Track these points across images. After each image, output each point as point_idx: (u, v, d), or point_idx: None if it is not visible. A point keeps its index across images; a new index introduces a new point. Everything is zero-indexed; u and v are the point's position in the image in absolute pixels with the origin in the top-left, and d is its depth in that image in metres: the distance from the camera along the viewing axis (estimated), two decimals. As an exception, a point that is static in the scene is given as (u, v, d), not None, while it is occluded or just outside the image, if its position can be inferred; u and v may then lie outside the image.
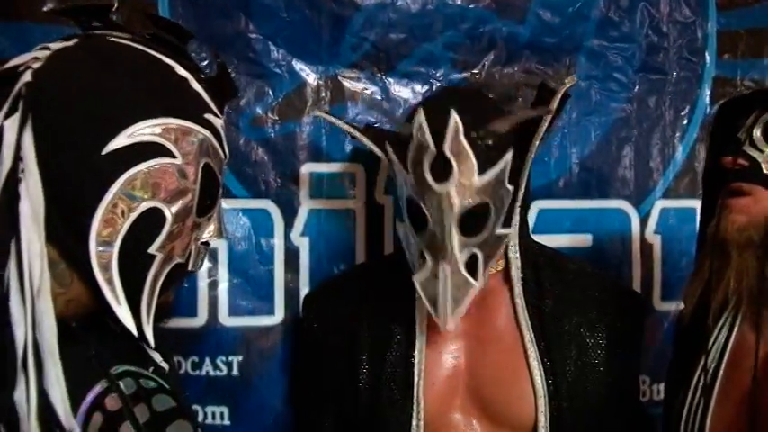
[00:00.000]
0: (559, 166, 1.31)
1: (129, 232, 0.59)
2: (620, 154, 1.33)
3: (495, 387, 0.91)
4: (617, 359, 0.95)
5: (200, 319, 1.19)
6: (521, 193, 0.90)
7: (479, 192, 0.82)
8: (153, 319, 0.64)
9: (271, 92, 1.22)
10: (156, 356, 0.75)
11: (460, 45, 1.26)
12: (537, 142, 0.88)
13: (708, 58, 1.35)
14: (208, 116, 0.66)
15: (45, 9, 1.01)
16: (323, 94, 1.23)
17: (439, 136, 0.78)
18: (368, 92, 1.25)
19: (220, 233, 0.71)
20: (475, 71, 1.27)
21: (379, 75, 1.25)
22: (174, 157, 0.61)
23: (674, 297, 1.29)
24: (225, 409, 1.20)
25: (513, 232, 0.93)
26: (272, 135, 1.22)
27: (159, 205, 0.61)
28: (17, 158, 0.55)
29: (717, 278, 0.81)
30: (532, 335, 0.91)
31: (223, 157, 0.69)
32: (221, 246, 1.21)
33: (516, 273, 0.94)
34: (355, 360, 0.95)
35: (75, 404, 0.60)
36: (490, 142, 0.81)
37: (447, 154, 0.79)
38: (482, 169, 0.81)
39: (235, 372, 1.21)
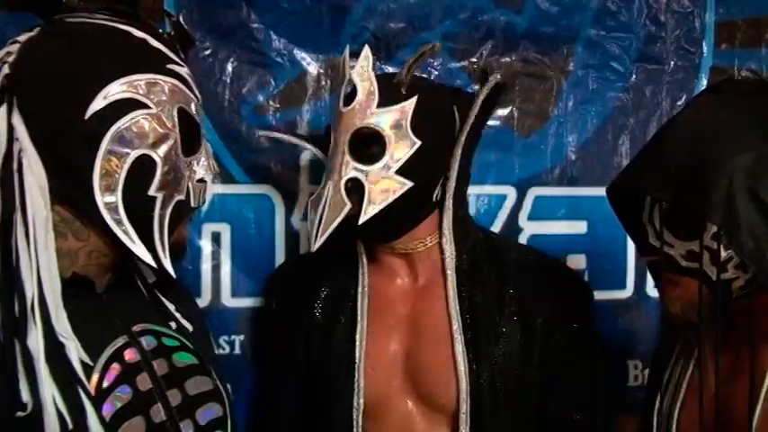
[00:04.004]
0: (555, 153, 1.32)
1: (127, 179, 0.67)
2: (616, 143, 1.34)
3: (426, 373, 0.95)
4: (556, 351, 0.95)
5: (203, 300, 1.22)
6: (452, 173, 0.93)
7: (374, 120, 0.87)
8: (170, 255, 0.72)
9: (272, 80, 1.23)
10: (179, 317, 0.82)
11: (459, 34, 1.27)
12: (470, 120, 0.93)
13: (705, 48, 1.36)
14: (171, 66, 0.72)
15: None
16: (323, 83, 1.25)
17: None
18: (367, 80, 1.27)
19: (211, 168, 0.76)
20: (473, 60, 1.29)
21: (378, 63, 1.26)
22: (148, 107, 0.68)
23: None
24: (228, 387, 1.21)
25: (447, 220, 0.94)
26: (274, 123, 1.24)
27: (147, 152, 0.68)
28: (10, 141, 0.63)
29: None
30: (461, 324, 0.93)
31: (195, 99, 0.75)
32: (224, 230, 1.24)
33: (450, 261, 0.96)
34: (309, 338, 1.00)
35: (94, 355, 0.67)
36: (395, 82, 0.89)
37: (354, 79, 0.88)
38: (381, 103, 0.87)
39: (237, 350, 1.24)
